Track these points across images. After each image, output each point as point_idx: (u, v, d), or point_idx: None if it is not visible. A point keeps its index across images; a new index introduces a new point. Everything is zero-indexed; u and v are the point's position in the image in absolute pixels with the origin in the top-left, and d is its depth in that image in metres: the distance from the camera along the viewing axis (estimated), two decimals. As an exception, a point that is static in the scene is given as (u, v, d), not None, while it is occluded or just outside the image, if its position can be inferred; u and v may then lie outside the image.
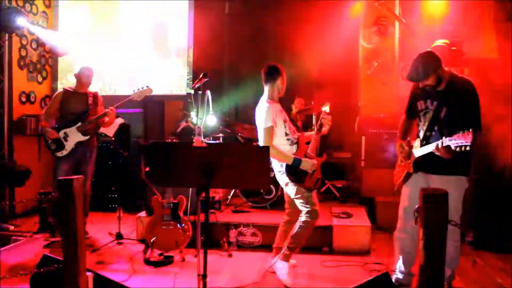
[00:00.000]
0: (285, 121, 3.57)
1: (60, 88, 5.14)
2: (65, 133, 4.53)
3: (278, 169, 3.54)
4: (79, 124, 4.53)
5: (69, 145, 4.53)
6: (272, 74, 3.55)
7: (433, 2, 4.97)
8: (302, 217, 3.53)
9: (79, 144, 4.55)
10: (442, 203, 1.91)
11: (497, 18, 4.60)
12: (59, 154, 4.53)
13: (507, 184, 4.31)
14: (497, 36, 4.63)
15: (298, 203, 3.54)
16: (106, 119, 4.61)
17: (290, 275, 3.53)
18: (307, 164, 3.44)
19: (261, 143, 3.48)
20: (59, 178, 4.48)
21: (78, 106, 4.62)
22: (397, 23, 5.53)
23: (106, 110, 4.53)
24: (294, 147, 3.55)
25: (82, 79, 4.68)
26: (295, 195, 3.52)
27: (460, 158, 2.86)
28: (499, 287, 3.46)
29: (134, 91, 4.57)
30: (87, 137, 4.58)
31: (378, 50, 5.67)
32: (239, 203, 5.20)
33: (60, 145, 4.52)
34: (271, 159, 3.47)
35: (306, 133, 3.78)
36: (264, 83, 3.60)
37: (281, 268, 3.55)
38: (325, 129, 3.62)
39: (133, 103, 6.48)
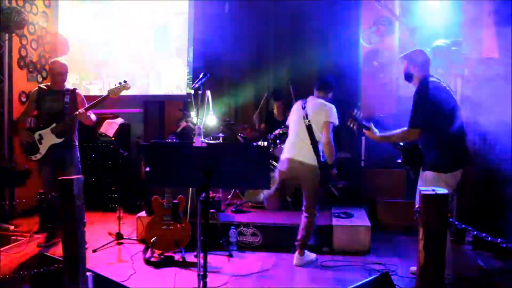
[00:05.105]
0: None
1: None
2: (40, 135, 4.19)
3: (314, 164, 3.75)
4: (54, 125, 4.19)
5: (43, 148, 4.19)
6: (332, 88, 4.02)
7: (433, 2, 4.96)
8: (315, 213, 3.87)
9: (53, 147, 4.20)
10: (442, 203, 1.91)
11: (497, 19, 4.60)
12: (33, 158, 4.20)
13: (507, 184, 4.31)
14: (497, 36, 4.63)
15: (316, 198, 3.84)
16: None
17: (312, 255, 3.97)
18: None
19: (326, 137, 3.75)
20: (44, 183, 4.32)
21: (53, 105, 4.26)
22: (397, 23, 5.53)
23: (76, 112, 4.17)
24: None
25: (55, 76, 4.31)
26: (317, 191, 3.86)
27: (425, 155, 3.27)
28: (498, 287, 3.46)
29: (110, 88, 4.25)
30: (60, 140, 4.21)
31: (378, 50, 5.67)
32: (239, 203, 5.20)
33: (35, 148, 4.18)
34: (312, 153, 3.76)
35: None
36: (325, 92, 3.97)
37: (307, 257, 3.90)
38: None
39: (133, 103, 6.47)
